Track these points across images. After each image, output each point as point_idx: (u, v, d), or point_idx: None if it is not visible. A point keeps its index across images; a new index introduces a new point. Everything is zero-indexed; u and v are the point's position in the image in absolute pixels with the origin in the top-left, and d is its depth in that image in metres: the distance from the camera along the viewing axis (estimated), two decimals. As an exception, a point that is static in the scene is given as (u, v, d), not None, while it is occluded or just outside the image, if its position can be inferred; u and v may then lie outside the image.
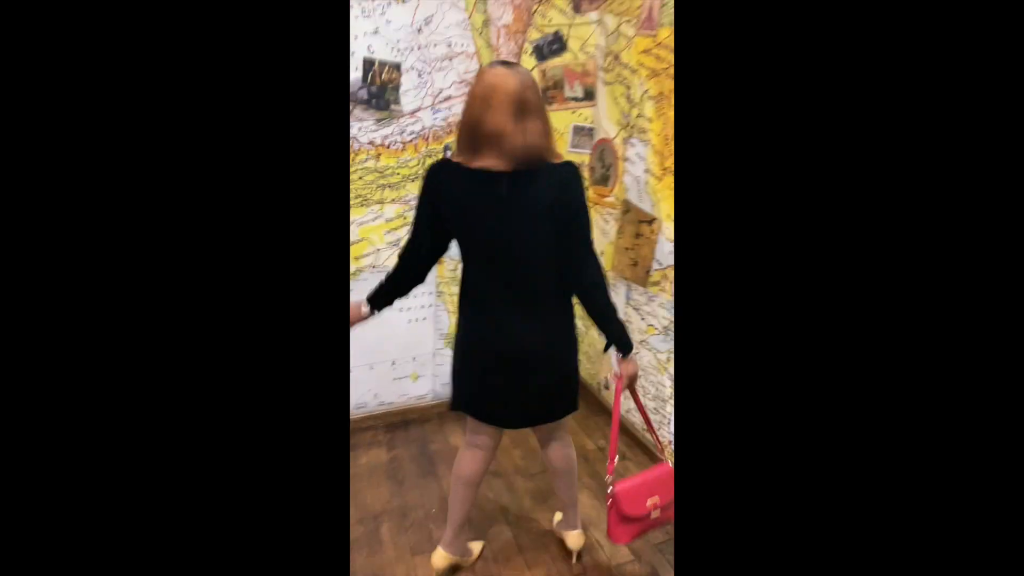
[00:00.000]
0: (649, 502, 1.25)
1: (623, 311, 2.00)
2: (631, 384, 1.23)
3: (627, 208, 1.93)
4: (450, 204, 1.11)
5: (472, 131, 1.05)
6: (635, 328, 1.92)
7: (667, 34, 1.65)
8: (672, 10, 1.62)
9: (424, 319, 2.11)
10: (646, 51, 1.75)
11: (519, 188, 1.06)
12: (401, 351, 2.10)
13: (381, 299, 1.23)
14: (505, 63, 1.07)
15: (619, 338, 1.17)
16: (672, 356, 1.77)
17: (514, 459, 1.94)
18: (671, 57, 1.64)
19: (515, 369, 1.18)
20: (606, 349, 1.20)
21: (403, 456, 1.96)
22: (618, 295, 2.04)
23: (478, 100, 1.04)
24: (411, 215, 1.20)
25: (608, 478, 1.23)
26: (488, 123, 1.02)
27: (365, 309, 1.23)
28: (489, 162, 1.05)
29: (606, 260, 2.08)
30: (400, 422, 2.14)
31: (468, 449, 1.35)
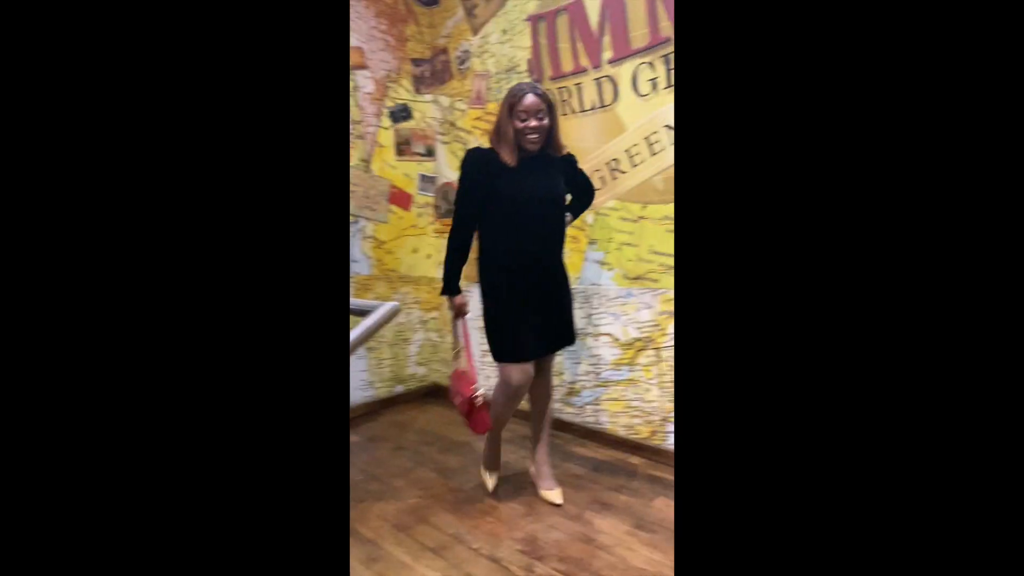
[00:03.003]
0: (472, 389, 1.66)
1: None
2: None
3: (474, 228, 2.57)
4: None
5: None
6: (490, 318, 2.49)
7: (493, 107, 2.43)
8: (494, 88, 2.42)
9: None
10: (478, 118, 2.51)
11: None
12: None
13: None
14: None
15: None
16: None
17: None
18: (498, 121, 2.42)
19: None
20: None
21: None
22: (472, 294, 2.59)
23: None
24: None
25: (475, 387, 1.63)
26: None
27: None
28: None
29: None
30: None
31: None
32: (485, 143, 2.51)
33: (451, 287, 1.63)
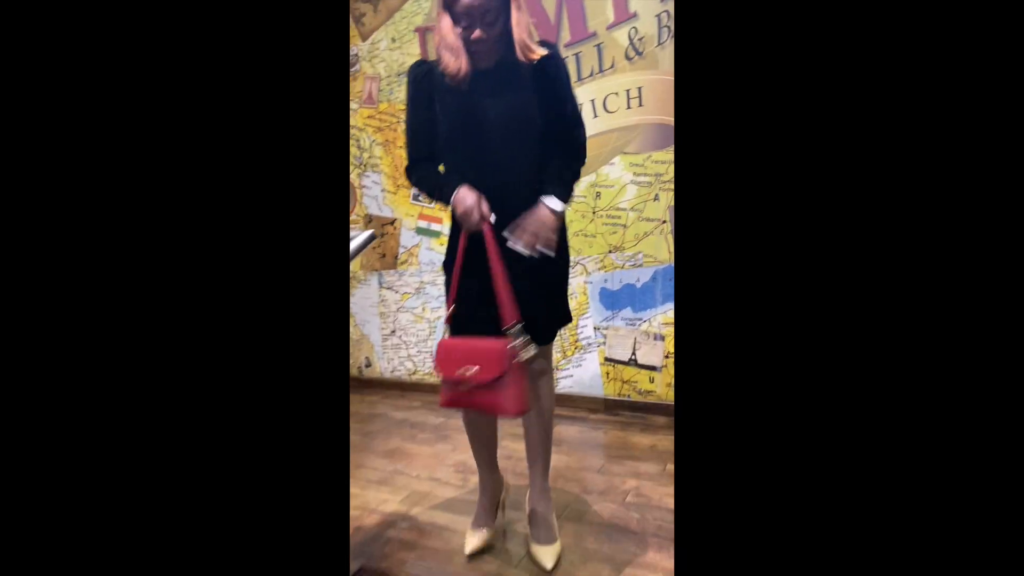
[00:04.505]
0: (459, 370, 1.07)
1: (378, 294, 2.71)
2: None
3: (370, 219, 2.73)
4: None
5: None
6: (391, 300, 2.67)
7: (385, 107, 2.66)
8: (385, 90, 2.65)
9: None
10: (370, 116, 2.71)
11: None
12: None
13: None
14: None
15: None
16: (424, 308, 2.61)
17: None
18: (390, 119, 2.65)
19: None
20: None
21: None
22: (370, 285, 2.74)
23: None
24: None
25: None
26: None
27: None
28: None
29: (355, 263, 2.78)
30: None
31: None
32: (378, 137, 2.74)
33: (442, 193, 1.11)
